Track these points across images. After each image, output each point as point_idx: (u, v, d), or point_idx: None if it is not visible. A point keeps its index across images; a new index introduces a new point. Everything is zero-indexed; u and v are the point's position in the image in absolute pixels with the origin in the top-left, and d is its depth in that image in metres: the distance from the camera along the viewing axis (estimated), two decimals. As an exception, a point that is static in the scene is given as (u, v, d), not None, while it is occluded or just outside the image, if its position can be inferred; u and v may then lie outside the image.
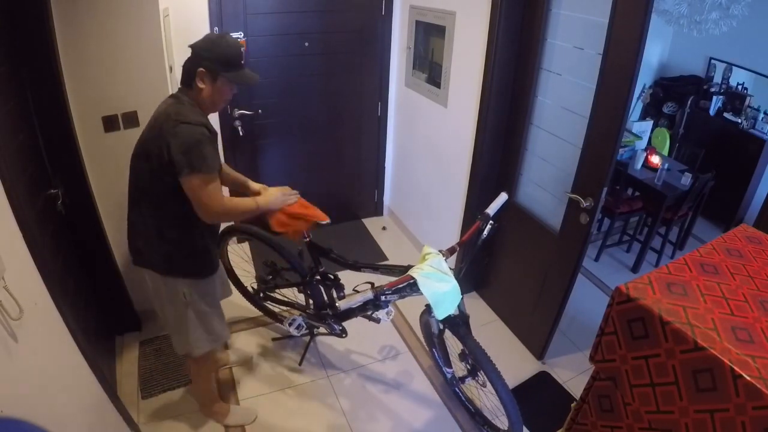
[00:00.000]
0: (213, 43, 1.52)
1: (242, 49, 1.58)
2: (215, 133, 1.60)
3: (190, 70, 1.54)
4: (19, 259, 1.29)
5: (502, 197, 1.90)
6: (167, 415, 2.12)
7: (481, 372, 1.87)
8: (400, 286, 1.76)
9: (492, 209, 1.86)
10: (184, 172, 1.46)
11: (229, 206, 1.69)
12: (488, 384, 1.84)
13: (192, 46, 1.54)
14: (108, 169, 2.18)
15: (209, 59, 1.51)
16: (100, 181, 2.18)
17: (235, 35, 2.75)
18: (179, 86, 1.60)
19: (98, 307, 2.34)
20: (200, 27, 2.64)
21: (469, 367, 2.00)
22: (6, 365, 1.10)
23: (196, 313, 1.74)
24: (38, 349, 1.31)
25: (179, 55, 2.54)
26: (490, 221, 1.82)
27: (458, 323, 1.87)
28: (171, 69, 2.25)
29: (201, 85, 1.53)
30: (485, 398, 2.09)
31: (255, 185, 1.92)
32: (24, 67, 1.79)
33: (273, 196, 1.83)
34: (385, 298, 1.75)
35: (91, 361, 1.63)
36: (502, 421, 2.01)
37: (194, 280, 1.71)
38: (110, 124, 2.09)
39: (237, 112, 2.94)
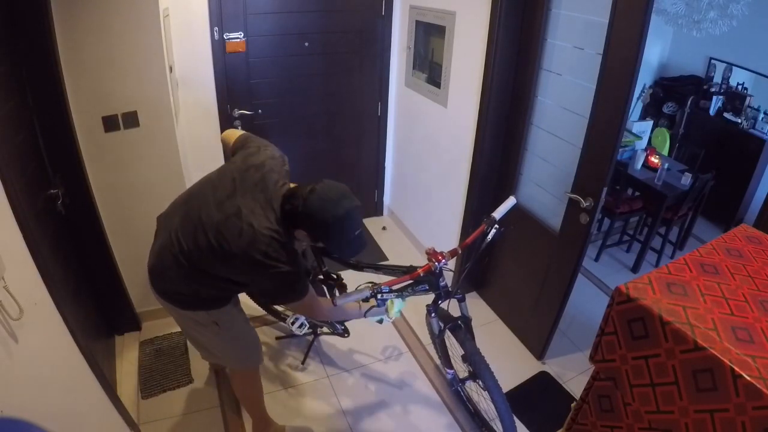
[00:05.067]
0: (324, 225, 1.36)
1: (358, 231, 1.43)
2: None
3: (292, 224, 1.41)
4: (19, 259, 1.29)
5: (510, 201, 1.82)
6: (167, 415, 2.12)
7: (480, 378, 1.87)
8: (398, 285, 1.75)
9: (499, 213, 1.79)
10: (289, 300, 1.50)
11: (330, 312, 1.66)
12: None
13: (302, 204, 1.35)
14: (108, 170, 2.18)
15: (313, 232, 1.40)
16: (100, 182, 2.18)
17: (234, 35, 2.76)
18: (277, 214, 1.41)
19: (98, 307, 2.34)
20: (200, 27, 2.64)
21: (470, 369, 2.00)
22: (6, 365, 1.10)
23: (231, 334, 1.70)
24: (38, 349, 1.31)
25: (179, 55, 2.56)
26: (496, 225, 1.77)
27: (459, 326, 1.87)
28: (171, 69, 2.25)
29: (298, 235, 1.44)
30: (483, 402, 2.08)
31: None
32: (24, 67, 1.79)
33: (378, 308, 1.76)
34: (382, 296, 1.75)
35: (91, 361, 1.63)
36: (499, 426, 2.01)
37: (215, 310, 1.64)
38: (110, 124, 2.09)
39: (237, 112, 2.94)
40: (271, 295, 1.53)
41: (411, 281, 1.79)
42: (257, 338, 1.85)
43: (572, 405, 1.30)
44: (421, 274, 1.75)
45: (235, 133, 1.72)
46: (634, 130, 3.61)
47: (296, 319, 2.26)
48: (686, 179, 3.25)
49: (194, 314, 1.61)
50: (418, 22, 2.92)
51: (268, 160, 1.53)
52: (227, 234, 1.37)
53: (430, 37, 2.85)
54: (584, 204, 2.02)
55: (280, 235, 1.38)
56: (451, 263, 1.84)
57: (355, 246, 1.46)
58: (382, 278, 1.83)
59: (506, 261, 2.72)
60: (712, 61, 4.13)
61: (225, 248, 1.38)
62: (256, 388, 1.94)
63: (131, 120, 2.12)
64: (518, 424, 2.02)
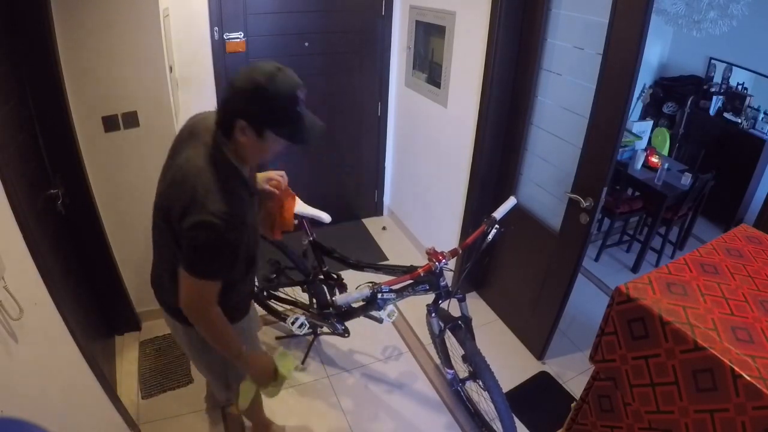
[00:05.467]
0: (256, 90, 1.13)
1: (300, 91, 1.18)
2: (255, 192, 1.33)
3: (228, 116, 1.19)
4: (19, 259, 1.29)
5: (511, 201, 1.84)
6: (167, 415, 2.12)
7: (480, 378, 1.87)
8: (398, 285, 1.75)
9: (499, 213, 1.80)
10: (183, 265, 1.22)
11: (214, 322, 1.32)
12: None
13: (231, 88, 1.16)
14: (108, 169, 2.18)
15: (252, 112, 1.15)
16: (100, 181, 2.18)
17: (234, 35, 2.76)
18: (216, 128, 1.23)
19: (98, 307, 2.34)
20: (200, 27, 2.64)
21: (471, 369, 2.00)
22: (6, 365, 1.10)
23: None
24: (38, 349, 1.31)
25: (179, 55, 2.56)
26: (496, 225, 1.78)
27: (459, 326, 1.87)
28: (171, 69, 2.25)
29: (242, 138, 1.19)
30: (483, 402, 2.08)
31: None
32: (24, 67, 1.79)
33: (263, 370, 1.47)
34: (383, 296, 1.75)
35: (91, 361, 1.63)
36: (499, 426, 2.01)
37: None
38: (110, 124, 2.09)
39: (237, 112, 2.94)
40: (190, 251, 1.20)
41: (411, 281, 1.79)
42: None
43: (572, 405, 1.30)
44: (422, 274, 1.76)
45: None
46: (634, 130, 3.61)
47: (296, 318, 2.26)
48: (686, 179, 3.25)
49: (195, 330, 1.46)
50: (418, 22, 2.92)
51: (197, 115, 1.39)
52: (167, 198, 1.23)
53: (430, 37, 2.85)
54: (584, 204, 2.02)
55: (212, 168, 1.20)
56: (452, 263, 1.84)
57: (306, 120, 1.21)
58: (382, 278, 1.83)
59: (506, 261, 2.72)
60: (712, 61, 4.13)
61: (170, 213, 1.21)
62: (259, 402, 1.92)
63: (131, 120, 2.12)
64: (518, 424, 2.02)
